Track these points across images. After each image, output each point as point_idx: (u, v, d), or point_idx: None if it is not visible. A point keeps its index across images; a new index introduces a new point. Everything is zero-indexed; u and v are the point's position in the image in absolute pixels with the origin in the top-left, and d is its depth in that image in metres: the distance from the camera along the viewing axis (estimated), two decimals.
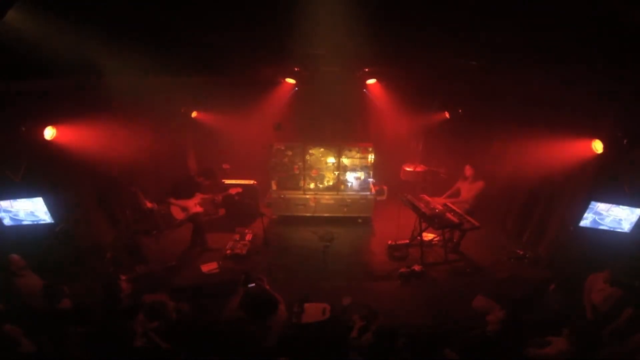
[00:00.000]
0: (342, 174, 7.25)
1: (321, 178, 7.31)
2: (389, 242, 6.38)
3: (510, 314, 3.53)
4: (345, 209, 7.25)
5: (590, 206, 5.16)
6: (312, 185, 7.32)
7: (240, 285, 4.28)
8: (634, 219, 5.02)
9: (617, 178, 5.03)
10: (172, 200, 5.77)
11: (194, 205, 5.93)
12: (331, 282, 5.53)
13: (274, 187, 7.27)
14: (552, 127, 5.69)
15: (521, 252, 6.26)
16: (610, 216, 5.15)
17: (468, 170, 6.15)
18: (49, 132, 5.06)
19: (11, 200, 5.00)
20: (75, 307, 3.96)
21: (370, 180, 7.32)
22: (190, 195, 5.88)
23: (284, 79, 7.35)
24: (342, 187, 7.31)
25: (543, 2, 3.55)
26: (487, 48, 4.61)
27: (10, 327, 3.21)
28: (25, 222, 5.13)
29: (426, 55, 5.22)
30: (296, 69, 6.81)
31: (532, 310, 4.56)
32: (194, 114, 7.83)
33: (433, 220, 5.71)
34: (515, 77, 5.39)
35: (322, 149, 7.23)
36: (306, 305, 4.59)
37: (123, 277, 4.71)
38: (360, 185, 7.31)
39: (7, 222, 5.08)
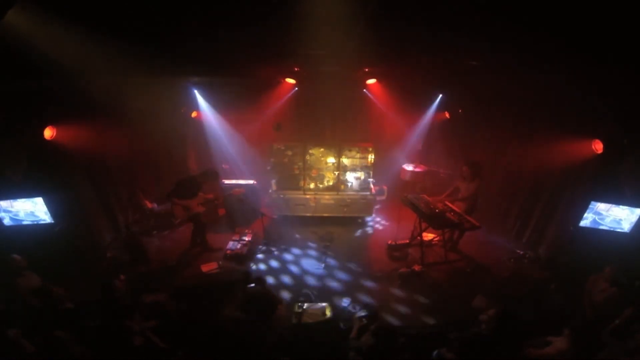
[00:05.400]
0: (342, 174, 7.26)
1: (321, 178, 7.31)
2: (389, 242, 6.38)
3: (499, 311, 3.53)
4: (345, 209, 7.25)
5: (590, 206, 5.16)
6: (312, 185, 7.32)
7: (240, 285, 4.28)
8: (634, 219, 5.02)
9: (617, 178, 5.02)
10: (176, 200, 5.77)
11: (197, 205, 5.93)
12: (331, 282, 5.54)
13: (274, 187, 7.27)
14: (552, 127, 5.70)
15: (521, 252, 6.26)
16: (610, 216, 5.15)
17: (465, 170, 6.16)
18: (49, 132, 5.07)
19: (11, 200, 5.00)
20: (74, 307, 3.97)
21: (370, 180, 7.32)
22: (193, 195, 5.89)
23: (284, 79, 7.35)
24: (342, 187, 7.31)
25: (543, 2, 3.55)
26: (487, 48, 4.60)
27: (14, 332, 3.21)
28: (25, 222, 5.14)
29: (426, 55, 5.22)
30: (296, 69, 6.81)
31: (532, 309, 4.56)
32: (194, 114, 7.84)
33: (433, 220, 5.70)
34: (515, 78, 5.39)
35: (322, 149, 7.23)
36: (306, 305, 4.59)
37: (123, 277, 4.71)
38: (360, 185, 7.31)
39: (7, 222, 5.08)
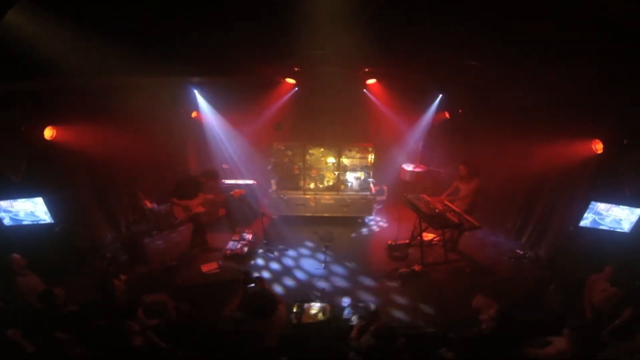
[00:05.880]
0: (342, 174, 7.25)
1: (321, 178, 7.31)
2: (389, 242, 6.38)
3: (500, 311, 3.54)
4: (345, 209, 7.25)
5: (590, 206, 5.16)
6: (312, 185, 7.32)
7: (240, 285, 4.28)
8: (634, 219, 5.02)
9: (617, 178, 5.02)
10: (175, 200, 5.77)
11: (196, 205, 5.93)
12: (331, 282, 5.54)
13: (274, 187, 7.27)
14: (552, 127, 5.69)
15: (521, 252, 6.26)
16: (610, 216, 5.15)
17: (462, 170, 6.17)
18: (49, 132, 5.07)
19: (11, 200, 5.00)
20: (77, 310, 3.95)
21: (370, 180, 7.32)
22: (193, 196, 5.88)
23: (284, 79, 7.35)
24: (342, 187, 7.31)
25: (543, 2, 3.56)
26: (487, 48, 4.60)
27: (13, 332, 3.21)
28: (25, 222, 5.13)
29: (426, 55, 5.22)
30: (296, 69, 6.81)
31: (532, 310, 4.56)
32: (194, 114, 7.84)
33: (433, 220, 5.71)
34: (515, 77, 5.39)
35: (322, 149, 7.23)
36: (306, 305, 4.60)
37: (123, 277, 4.71)
38: (360, 185, 7.31)
39: (7, 222, 5.08)
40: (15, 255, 4.23)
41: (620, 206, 5.05)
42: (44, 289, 3.99)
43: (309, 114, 8.17)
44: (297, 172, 7.24)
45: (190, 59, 5.11)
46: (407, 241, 6.45)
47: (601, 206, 5.14)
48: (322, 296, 5.08)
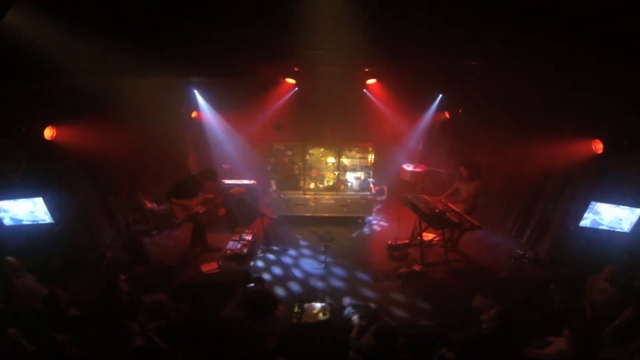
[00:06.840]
0: (342, 174, 7.26)
1: (321, 178, 7.31)
2: (389, 242, 6.38)
3: (500, 311, 3.53)
4: (345, 209, 7.25)
5: (590, 206, 5.15)
6: (312, 185, 7.32)
7: (240, 285, 4.28)
8: (634, 219, 5.02)
9: (617, 178, 5.02)
10: (175, 200, 5.77)
11: (196, 205, 5.93)
12: (331, 282, 5.54)
13: (274, 187, 7.27)
14: (553, 127, 5.70)
15: (521, 252, 6.26)
16: (611, 216, 5.15)
17: (463, 171, 6.16)
18: (49, 132, 5.07)
19: (11, 200, 5.00)
20: (80, 314, 3.93)
21: (370, 180, 7.32)
22: (192, 195, 5.88)
23: (284, 79, 7.35)
24: (342, 187, 7.31)
25: (544, 1, 3.56)
26: (487, 48, 4.60)
27: (13, 331, 3.20)
28: (25, 222, 5.13)
29: (426, 55, 5.23)
30: (296, 69, 6.81)
31: (532, 310, 4.56)
32: (194, 114, 7.84)
33: (433, 220, 5.70)
34: (515, 78, 5.39)
35: (322, 149, 7.23)
36: (306, 305, 4.59)
37: (123, 277, 4.70)
38: (360, 185, 7.31)
39: (7, 222, 5.08)
40: (9, 258, 4.18)
41: (620, 206, 5.05)
42: (48, 292, 3.97)
43: (309, 114, 8.17)
44: (297, 172, 7.24)
45: (190, 59, 5.11)
46: (407, 241, 6.45)
47: (601, 206, 5.14)
48: (322, 296, 5.08)
